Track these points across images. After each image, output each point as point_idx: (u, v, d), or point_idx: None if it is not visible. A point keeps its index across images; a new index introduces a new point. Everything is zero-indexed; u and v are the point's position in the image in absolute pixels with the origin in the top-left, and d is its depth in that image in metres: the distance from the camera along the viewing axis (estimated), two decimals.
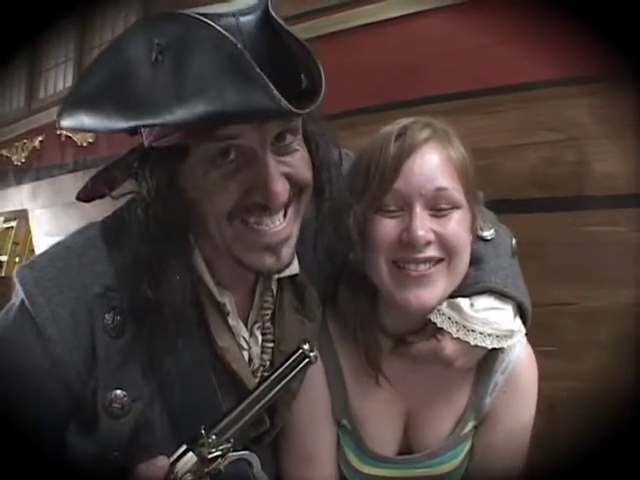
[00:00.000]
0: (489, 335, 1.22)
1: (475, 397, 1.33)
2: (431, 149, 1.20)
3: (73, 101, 1.09)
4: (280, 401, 1.25)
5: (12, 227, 6.56)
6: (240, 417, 1.06)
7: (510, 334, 1.24)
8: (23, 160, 5.63)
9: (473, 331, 1.22)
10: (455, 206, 1.20)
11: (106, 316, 1.10)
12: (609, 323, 1.96)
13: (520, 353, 1.31)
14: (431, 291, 1.20)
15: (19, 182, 5.76)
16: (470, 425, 1.35)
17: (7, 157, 5.88)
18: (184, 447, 1.03)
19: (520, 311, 1.29)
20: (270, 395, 1.09)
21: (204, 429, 1.03)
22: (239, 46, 0.92)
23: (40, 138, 5.33)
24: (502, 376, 1.31)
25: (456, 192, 1.20)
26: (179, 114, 0.94)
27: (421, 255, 1.18)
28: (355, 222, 1.22)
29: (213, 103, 0.92)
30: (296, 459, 1.36)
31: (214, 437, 1.03)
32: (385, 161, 1.19)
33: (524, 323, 1.30)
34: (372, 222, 1.21)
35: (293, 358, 1.11)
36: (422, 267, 1.19)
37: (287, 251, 1.11)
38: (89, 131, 1.06)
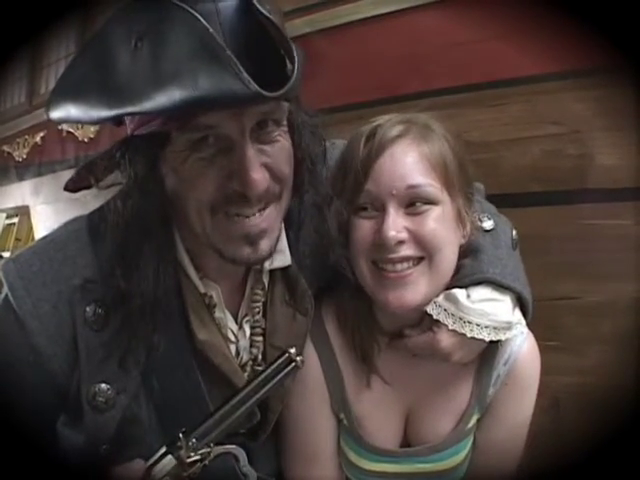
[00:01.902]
0: (486, 327, 1.21)
1: (478, 391, 1.32)
2: (402, 147, 1.20)
3: (60, 92, 1.09)
4: (272, 396, 1.25)
5: (14, 223, 6.56)
6: (222, 420, 1.05)
7: (508, 326, 1.22)
8: (25, 156, 5.63)
9: (469, 323, 1.20)
10: (431, 202, 1.19)
11: (87, 309, 1.10)
12: (613, 317, 1.95)
13: (522, 344, 1.30)
14: (412, 291, 1.19)
15: (21, 178, 5.77)
16: (474, 419, 1.34)
17: (9, 153, 5.89)
18: (163, 450, 1.03)
19: (520, 303, 1.28)
20: (254, 399, 1.08)
21: (183, 432, 1.02)
22: (210, 30, 0.92)
23: (41, 134, 5.34)
24: (504, 367, 1.30)
25: (431, 188, 1.19)
26: (157, 101, 0.94)
27: (395, 255, 1.18)
28: (337, 220, 1.22)
29: (187, 89, 0.91)
30: (298, 455, 1.36)
31: (194, 440, 1.02)
32: (356, 163, 1.20)
33: (525, 315, 1.28)
34: (351, 224, 1.22)
35: (279, 362, 1.10)
36: (399, 267, 1.19)
37: (266, 243, 1.10)
38: (76, 122, 1.06)
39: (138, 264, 1.08)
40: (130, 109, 0.98)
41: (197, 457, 1.01)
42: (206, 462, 1.02)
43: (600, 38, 1.65)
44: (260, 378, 1.09)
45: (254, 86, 0.90)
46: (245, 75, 0.90)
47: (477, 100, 2.21)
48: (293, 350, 1.10)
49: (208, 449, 1.02)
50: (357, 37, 2.53)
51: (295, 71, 0.97)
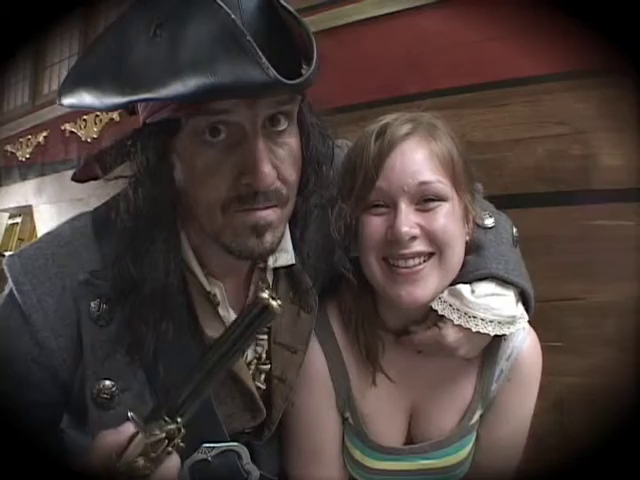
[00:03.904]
0: (491, 322, 1.21)
1: (481, 386, 1.33)
2: (412, 144, 1.21)
3: (74, 78, 1.09)
4: (276, 393, 1.26)
5: (17, 223, 6.57)
6: (193, 391, 0.94)
7: (512, 320, 1.23)
8: (28, 156, 5.64)
9: (474, 317, 1.21)
10: (441, 199, 1.20)
11: (92, 304, 1.10)
12: (617, 318, 1.95)
13: (524, 339, 1.31)
14: (423, 287, 1.20)
15: (24, 178, 5.78)
16: (477, 415, 1.35)
17: (12, 153, 5.89)
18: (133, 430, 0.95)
19: (523, 298, 1.29)
20: (225, 358, 0.93)
21: (151, 411, 0.95)
22: (232, 17, 0.91)
23: (44, 134, 5.35)
24: (507, 363, 1.31)
25: (441, 185, 1.20)
26: (173, 88, 0.93)
27: (408, 250, 1.19)
28: (344, 220, 1.22)
29: (204, 75, 0.91)
30: (302, 455, 1.36)
31: (166, 418, 0.93)
32: (367, 161, 1.20)
33: (527, 310, 1.29)
34: (361, 221, 1.23)
35: (247, 309, 0.94)
36: (411, 262, 1.20)
37: (270, 237, 1.09)
38: (88, 108, 1.05)
39: (148, 250, 1.07)
40: (144, 95, 0.97)
41: (161, 435, 0.93)
42: (176, 441, 0.94)
43: (604, 39, 1.65)
44: (226, 333, 0.94)
45: (273, 72, 0.90)
46: (265, 61, 0.89)
47: (480, 100, 2.21)
48: (266, 294, 0.91)
49: (175, 425, 0.94)
50: (359, 37, 2.53)
51: (314, 62, 0.97)
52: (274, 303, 0.90)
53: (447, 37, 2.27)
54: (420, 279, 1.20)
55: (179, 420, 0.93)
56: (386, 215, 1.21)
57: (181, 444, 0.95)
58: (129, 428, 0.92)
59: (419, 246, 1.19)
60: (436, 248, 1.20)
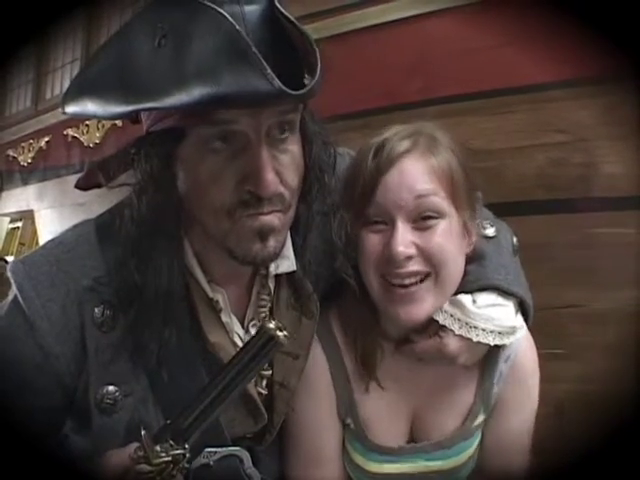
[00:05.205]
0: (491, 332, 1.22)
1: (482, 390, 1.33)
2: (411, 160, 1.21)
3: (77, 86, 1.10)
4: (277, 398, 1.26)
5: (18, 227, 6.58)
6: (197, 414, 0.94)
7: (512, 330, 1.24)
8: (30, 160, 5.66)
9: (475, 328, 1.22)
10: (440, 215, 1.20)
11: (96, 310, 1.10)
12: (617, 325, 1.96)
13: (521, 341, 1.31)
14: (419, 306, 1.21)
15: (25, 182, 5.80)
16: (480, 418, 1.35)
17: (14, 157, 5.92)
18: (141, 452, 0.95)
19: (522, 308, 1.29)
20: (229, 388, 0.93)
21: (155, 434, 0.95)
22: (237, 28, 0.92)
23: (47, 138, 5.37)
24: (506, 364, 1.31)
25: (439, 199, 1.20)
26: (178, 98, 0.94)
27: (403, 270, 1.19)
28: (345, 229, 1.23)
29: (209, 85, 0.92)
30: (302, 459, 1.35)
31: (171, 442, 0.93)
32: (364, 176, 1.21)
33: (526, 320, 1.30)
34: (361, 237, 1.23)
35: (253, 340, 0.93)
36: (407, 281, 1.20)
37: (274, 242, 1.10)
38: (92, 117, 1.05)
39: (152, 256, 1.08)
40: (148, 104, 0.99)
41: (167, 458, 0.92)
42: (181, 465, 0.95)
43: (606, 46, 1.66)
44: (231, 363, 0.93)
45: (277, 83, 0.90)
46: (269, 72, 0.90)
47: (482, 108, 2.22)
48: (272, 324, 0.92)
49: (182, 450, 0.94)
50: (363, 45, 2.54)
51: (318, 72, 0.97)
52: (281, 334, 0.90)
53: (450, 45, 2.28)
54: (416, 299, 1.20)
55: (186, 446, 0.94)
56: (384, 232, 1.21)
57: (186, 465, 0.96)
58: (136, 449, 0.94)
59: (415, 266, 1.19)
60: (432, 268, 1.20)
